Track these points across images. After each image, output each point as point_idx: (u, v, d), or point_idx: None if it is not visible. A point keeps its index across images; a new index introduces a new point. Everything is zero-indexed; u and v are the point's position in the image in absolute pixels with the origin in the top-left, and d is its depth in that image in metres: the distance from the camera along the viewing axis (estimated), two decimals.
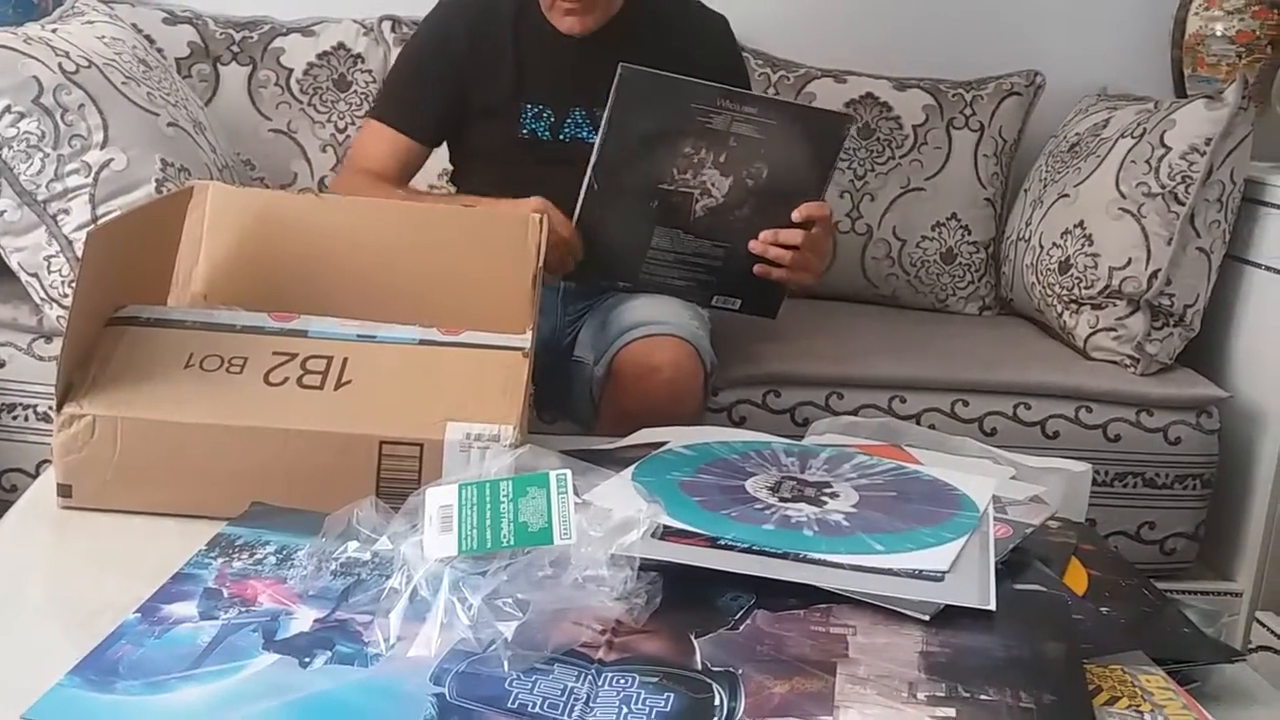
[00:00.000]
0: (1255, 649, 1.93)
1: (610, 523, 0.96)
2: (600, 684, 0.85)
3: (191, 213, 1.36)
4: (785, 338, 2.03)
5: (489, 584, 0.90)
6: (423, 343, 1.23)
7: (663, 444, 1.32)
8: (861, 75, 2.46)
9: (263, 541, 1.04)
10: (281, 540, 1.04)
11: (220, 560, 1.01)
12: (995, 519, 1.12)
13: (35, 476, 1.74)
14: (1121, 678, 0.91)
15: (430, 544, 0.94)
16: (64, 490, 1.14)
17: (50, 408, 1.57)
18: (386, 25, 2.35)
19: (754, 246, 1.75)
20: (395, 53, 2.19)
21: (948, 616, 0.94)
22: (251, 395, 1.16)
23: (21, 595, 1.02)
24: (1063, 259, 2.17)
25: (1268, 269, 2.12)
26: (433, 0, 1.96)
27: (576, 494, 0.97)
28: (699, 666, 0.88)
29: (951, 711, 0.83)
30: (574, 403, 1.87)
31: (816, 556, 1.02)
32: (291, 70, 2.30)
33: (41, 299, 1.85)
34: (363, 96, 2.29)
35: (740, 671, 0.87)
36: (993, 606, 0.95)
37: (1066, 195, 2.22)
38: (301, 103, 2.30)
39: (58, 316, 1.83)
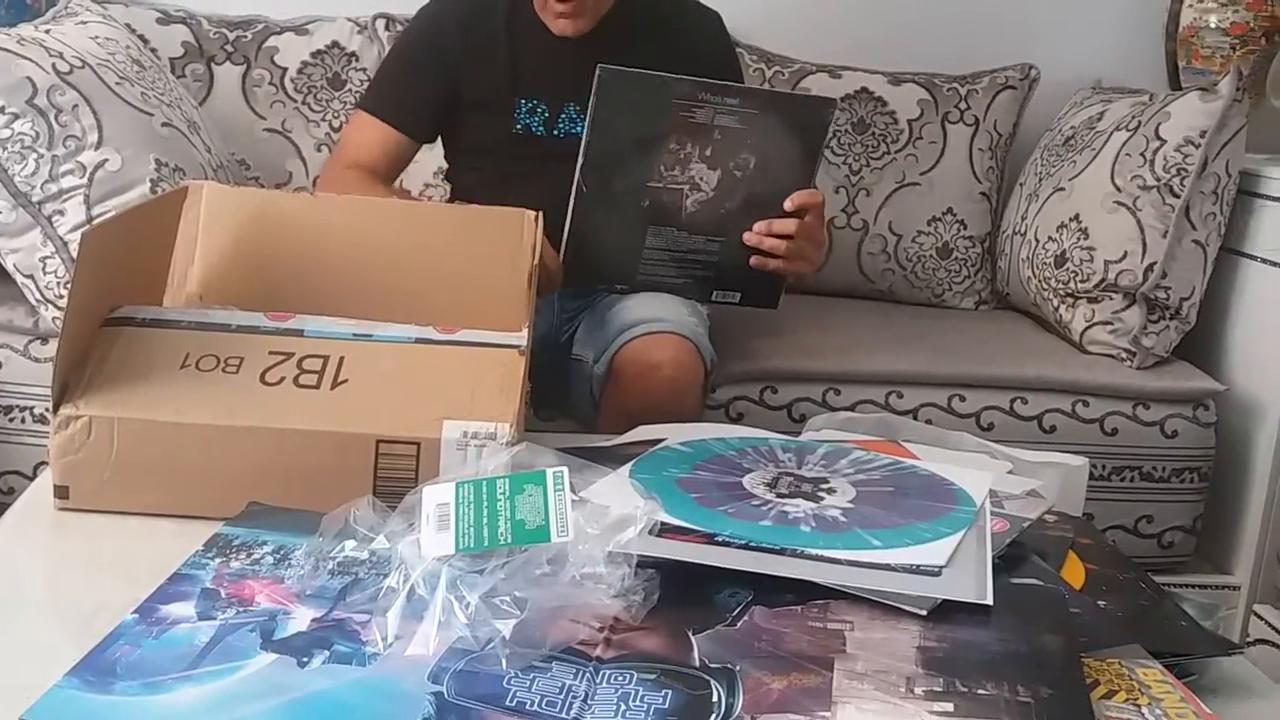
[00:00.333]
0: (1253, 642, 1.93)
1: (607, 520, 0.96)
2: (598, 681, 0.85)
3: (186, 213, 1.36)
4: (782, 334, 2.03)
5: (486, 582, 0.90)
6: (419, 341, 1.23)
7: (660, 441, 1.32)
8: (856, 70, 2.46)
9: (260, 541, 1.04)
10: (279, 540, 1.04)
11: (217, 560, 1.01)
12: (992, 513, 1.12)
13: (32, 478, 1.74)
14: (1119, 671, 0.92)
15: (427, 542, 0.94)
16: (61, 491, 1.14)
17: (47, 409, 1.57)
18: (380, 23, 2.35)
19: (748, 238, 1.75)
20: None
21: (945, 611, 0.94)
22: (248, 395, 1.16)
23: (19, 596, 1.02)
24: (1058, 253, 2.17)
25: (1264, 261, 2.12)
26: None
27: (573, 491, 0.97)
28: (697, 663, 0.88)
29: (949, 706, 0.83)
30: (571, 400, 1.87)
31: (814, 552, 1.02)
32: (286, 69, 2.30)
33: (37, 300, 1.85)
34: (357, 95, 2.28)
35: (738, 668, 0.87)
36: (990, 601, 0.95)
37: (1062, 189, 2.22)
38: (296, 101, 2.30)
39: (53, 318, 1.83)
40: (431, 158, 2.11)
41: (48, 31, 1.92)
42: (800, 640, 0.91)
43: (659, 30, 1.91)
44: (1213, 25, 2.45)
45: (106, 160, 1.82)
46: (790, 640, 0.91)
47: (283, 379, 1.17)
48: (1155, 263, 2.06)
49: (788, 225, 1.74)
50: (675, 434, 1.34)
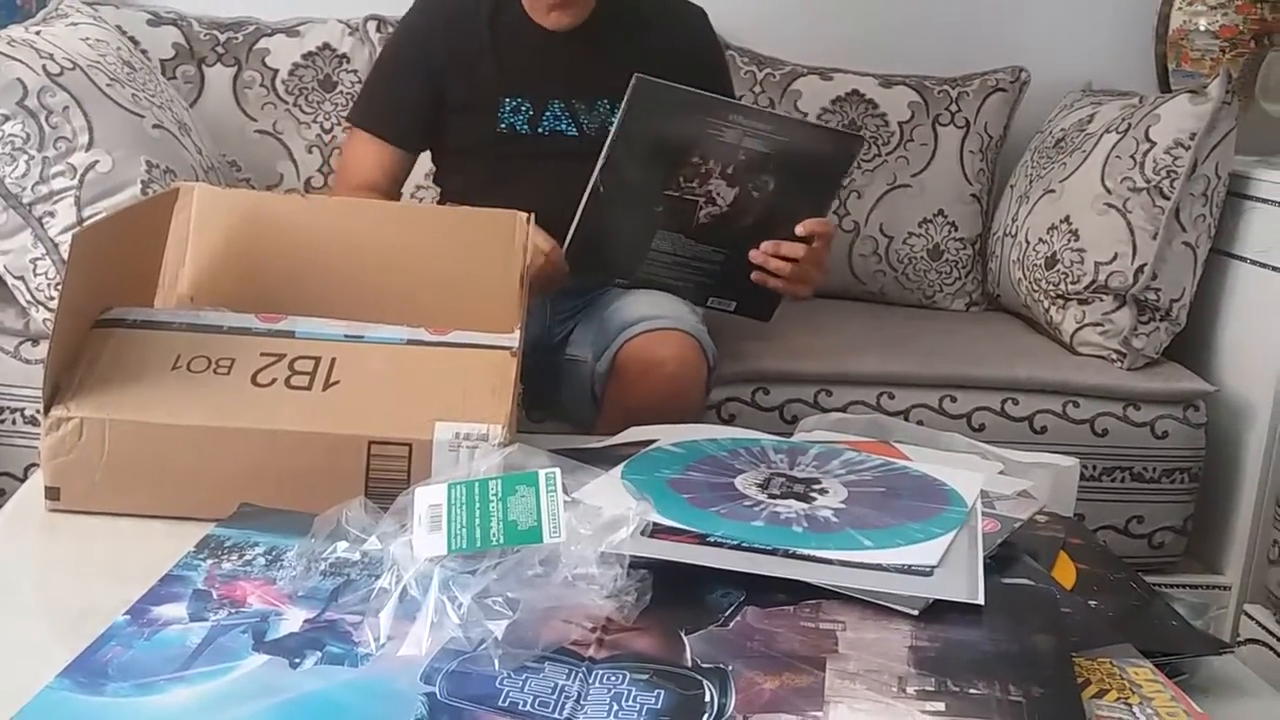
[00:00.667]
0: (1243, 641, 1.94)
1: (600, 521, 0.96)
2: (591, 682, 0.85)
3: (178, 214, 1.36)
4: (773, 335, 2.03)
5: (479, 583, 0.90)
6: (411, 342, 1.23)
7: (652, 442, 1.32)
8: (847, 72, 2.46)
9: (252, 543, 1.04)
10: (270, 541, 1.03)
11: (209, 561, 1.00)
12: (983, 514, 1.12)
13: (23, 480, 1.73)
14: (1110, 670, 0.92)
15: (420, 543, 0.94)
16: (52, 493, 1.13)
17: (38, 411, 1.57)
18: (371, 25, 2.35)
19: (754, 256, 1.75)
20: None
21: (936, 611, 0.95)
22: (239, 396, 1.16)
23: (10, 598, 1.02)
24: (1049, 254, 2.18)
25: (1253, 263, 2.13)
26: None
27: (566, 492, 0.97)
28: (689, 663, 0.88)
29: (941, 705, 0.83)
30: (563, 401, 1.87)
31: (806, 552, 1.02)
32: (277, 71, 2.30)
33: (28, 302, 1.85)
34: (348, 96, 2.28)
35: (730, 668, 0.88)
36: (981, 601, 0.96)
37: (1052, 191, 2.23)
38: (287, 103, 2.30)
39: (44, 319, 1.83)
40: (421, 161, 2.10)
41: (38, 33, 1.92)
42: (792, 640, 0.91)
43: (643, 28, 1.91)
44: (1202, 28, 2.46)
45: (97, 162, 1.81)
46: (782, 640, 0.91)
47: (274, 380, 1.17)
48: (1145, 264, 2.06)
49: (796, 249, 1.74)
50: (667, 435, 1.34)
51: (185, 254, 1.36)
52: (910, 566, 1.01)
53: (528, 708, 0.82)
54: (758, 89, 2.41)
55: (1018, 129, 2.50)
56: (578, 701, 0.83)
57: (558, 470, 0.97)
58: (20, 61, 1.80)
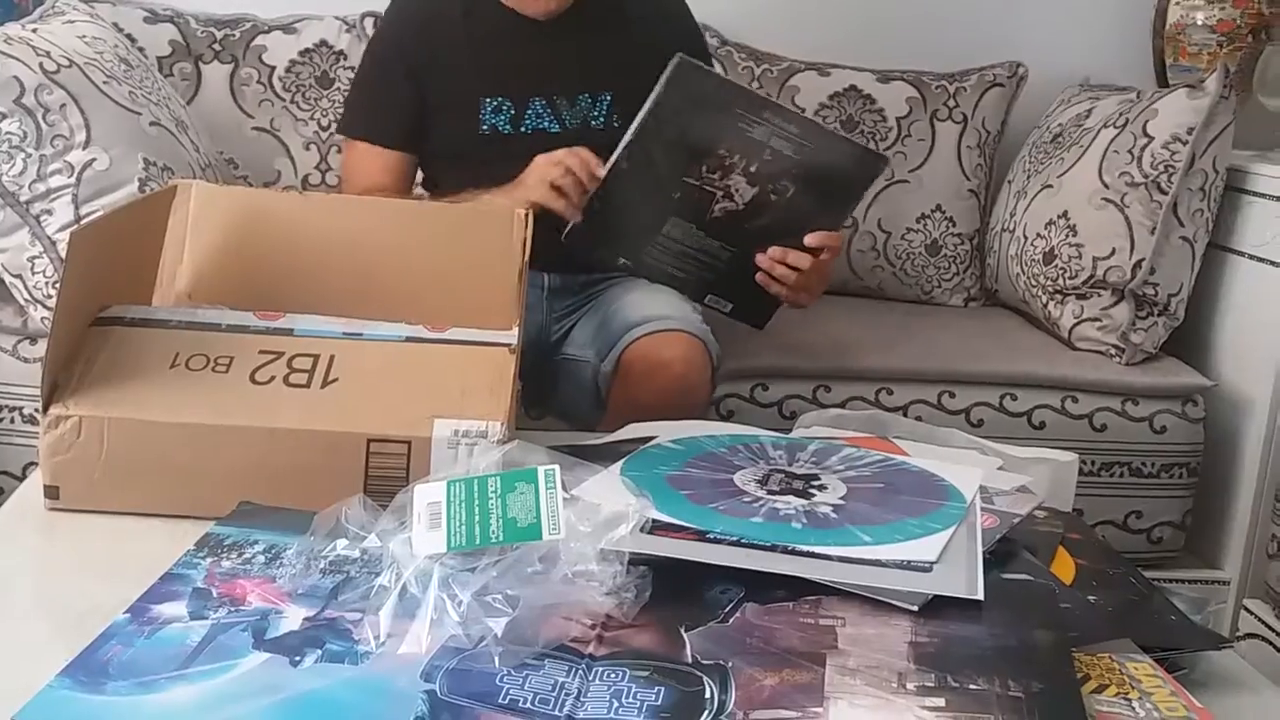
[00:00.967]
0: (1242, 636, 1.94)
1: (599, 518, 0.96)
2: (591, 678, 0.86)
3: (175, 212, 1.36)
4: (772, 331, 2.03)
5: (478, 580, 0.90)
6: (409, 340, 1.23)
7: (651, 439, 1.32)
8: (844, 68, 2.46)
9: (251, 540, 1.04)
10: (270, 539, 1.03)
11: (209, 560, 1.00)
12: (982, 509, 1.13)
13: (22, 479, 1.74)
14: (1110, 666, 0.92)
15: (419, 541, 0.94)
16: (51, 491, 1.13)
17: (36, 409, 1.56)
18: (369, 22, 2.34)
19: (761, 260, 1.74)
20: None
21: (936, 607, 0.95)
22: (238, 394, 1.16)
23: (10, 597, 1.02)
24: (1047, 249, 2.18)
25: (1251, 257, 2.13)
26: None
27: (565, 489, 0.97)
28: (689, 660, 0.89)
29: (941, 701, 0.83)
30: (562, 399, 1.87)
31: (805, 549, 1.02)
32: (274, 68, 2.29)
33: (25, 300, 1.84)
34: (345, 93, 2.27)
35: (730, 664, 0.88)
36: (980, 596, 0.96)
37: (1050, 186, 2.23)
38: (284, 100, 2.30)
39: (42, 318, 1.83)
40: None
41: (35, 31, 1.91)
42: (792, 636, 0.91)
43: (622, 19, 1.90)
44: (1200, 22, 2.46)
45: (94, 159, 1.81)
46: (782, 636, 0.91)
47: (273, 378, 1.17)
48: (1143, 259, 2.06)
49: (803, 260, 1.74)
50: (666, 431, 1.34)
51: (183, 252, 1.36)
52: (909, 562, 1.01)
53: (528, 705, 0.82)
54: (755, 85, 2.41)
55: (1015, 124, 2.50)
56: (578, 698, 0.83)
57: (557, 467, 0.97)
58: (17, 59, 1.80)
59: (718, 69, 2.20)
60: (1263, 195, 2.11)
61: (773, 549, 1.02)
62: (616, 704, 0.83)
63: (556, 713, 0.82)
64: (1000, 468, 1.32)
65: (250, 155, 2.28)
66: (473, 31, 1.87)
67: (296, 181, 2.30)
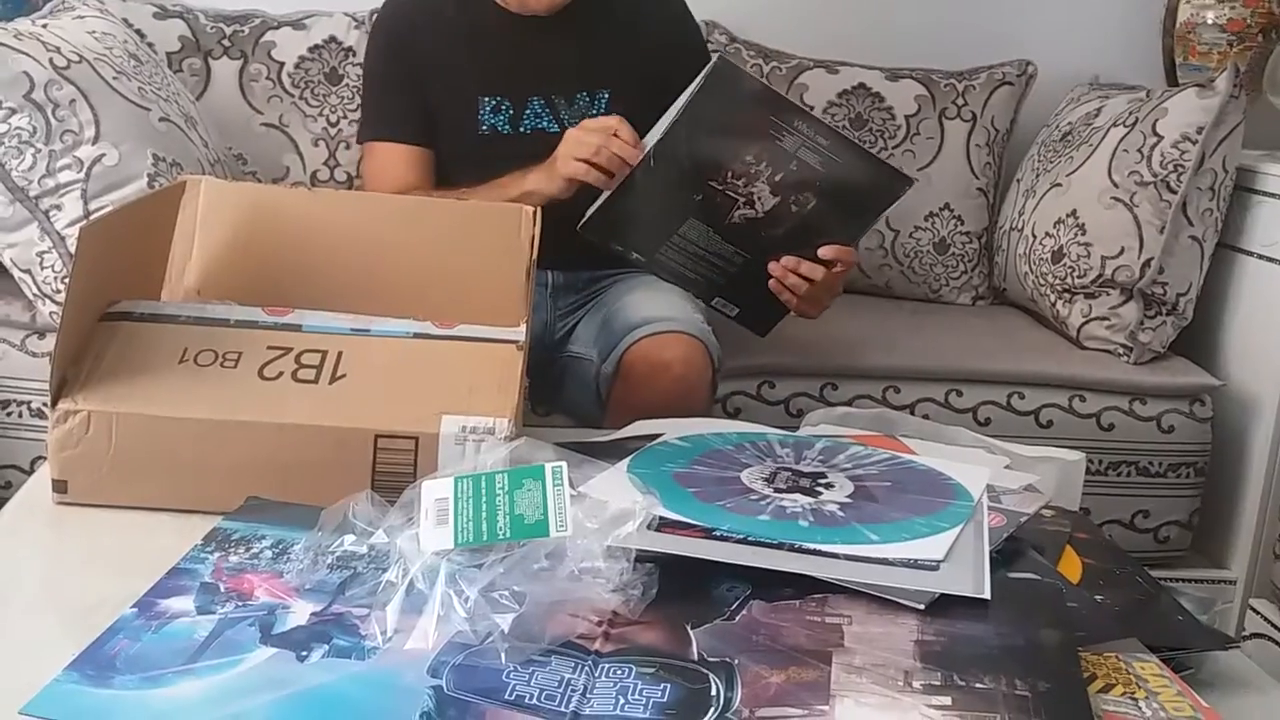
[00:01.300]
0: (1249, 636, 1.94)
1: (606, 515, 0.96)
2: (597, 675, 0.86)
3: (184, 208, 1.36)
4: (779, 329, 2.03)
5: (485, 576, 0.91)
6: (417, 336, 1.23)
7: (658, 436, 1.32)
8: (853, 66, 2.45)
9: (259, 536, 1.04)
10: (278, 534, 1.04)
11: (216, 555, 1.01)
12: (989, 508, 1.13)
13: (30, 473, 1.74)
14: (1116, 665, 0.92)
15: (426, 537, 0.94)
16: (59, 486, 1.14)
17: (45, 404, 1.56)
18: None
19: (773, 268, 1.73)
20: None
21: (943, 605, 0.95)
22: (246, 390, 1.16)
23: (18, 591, 1.02)
24: (1055, 248, 2.17)
25: (1260, 257, 2.12)
26: None
27: (572, 486, 0.97)
28: (695, 657, 0.89)
29: (947, 700, 0.83)
30: (567, 396, 1.87)
31: (812, 547, 1.02)
32: (283, 64, 2.30)
33: (35, 295, 1.85)
34: (354, 90, 2.28)
35: (736, 662, 0.88)
36: (988, 595, 0.96)
37: (1059, 184, 2.22)
38: (293, 96, 2.30)
39: (51, 312, 1.83)
40: None
41: (45, 26, 1.92)
42: (798, 634, 0.91)
43: (620, 16, 1.90)
44: (1209, 21, 2.45)
45: (104, 155, 1.81)
46: (788, 634, 0.91)
47: (281, 374, 1.18)
48: (1152, 258, 2.06)
49: (815, 271, 1.73)
50: (673, 429, 1.34)
51: (192, 247, 1.36)
52: (916, 561, 1.01)
53: (534, 701, 0.82)
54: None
55: (1024, 123, 2.50)
56: (584, 695, 0.83)
57: (564, 464, 0.97)
58: (27, 55, 1.80)
59: None
60: (1272, 195, 2.11)
61: (779, 547, 1.02)
62: (622, 701, 0.83)
63: (562, 709, 0.82)
64: (1007, 466, 1.31)
65: (259, 151, 2.28)
66: (468, 30, 1.87)
67: (305, 177, 2.30)
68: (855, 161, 1.69)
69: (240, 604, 0.93)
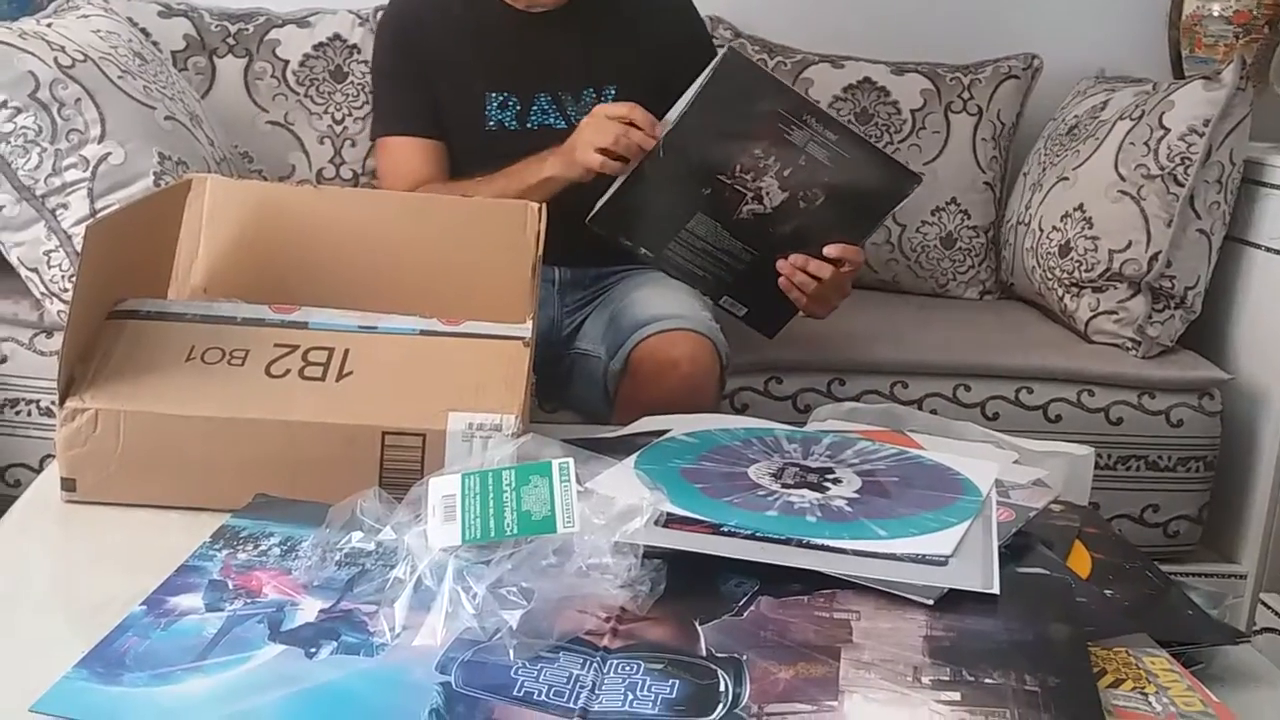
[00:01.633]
0: (1259, 630, 1.93)
1: (613, 511, 0.96)
2: (605, 671, 0.86)
3: (190, 206, 1.36)
4: (786, 327, 2.03)
5: (493, 573, 0.91)
6: (424, 333, 1.23)
7: (665, 432, 1.32)
8: (859, 60, 2.45)
9: (267, 533, 1.04)
10: (286, 531, 1.04)
11: (225, 552, 1.01)
12: (998, 503, 1.12)
13: (39, 471, 1.74)
14: (1126, 660, 0.92)
15: (434, 534, 0.94)
16: (68, 484, 1.14)
17: (53, 402, 1.57)
18: (381, 16, 2.34)
19: (781, 266, 1.73)
20: None
21: (951, 600, 0.95)
22: (253, 387, 1.16)
23: (27, 589, 1.02)
24: (1063, 242, 2.17)
25: (1268, 250, 2.12)
26: None
27: (579, 482, 0.97)
28: (704, 653, 0.89)
29: (956, 695, 0.83)
30: (574, 393, 1.87)
31: (820, 542, 1.02)
32: (288, 62, 2.30)
33: (42, 294, 1.85)
34: (359, 87, 2.28)
35: (745, 657, 0.88)
36: (996, 590, 0.96)
37: (1066, 178, 2.22)
38: (298, 94, 2.30)
39: (58, 311, 1.83)
40: None
41: (50, 25, 1.92)
42: (807, 630, 0.91)
43: (626, 12, 1.90)
44: (1215, 14, 2.44)
45: (109, 154, 1.82)
46: (797, 630, 0.91)
47: (288, 371, 1.18)
48: (1160, 252, 2.05)
49: (823, 270, 1.72)
50: (680, 425, 1.34)
51: (198, 245, 1.36)
52: (925, 556, 1.01)
53: (542, 697, 0.82)
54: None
55: (1030, 116, 2.49)
56: (592, 691, 0.83)
57: (571, 460, 0.97)
58: (32, 54, 1.80)
59: None
60: (1279, 187, 2.10)
61: (787, 543, 1.02)
62: (631, 697, 0.83)
63: (571, 705, 0.82)
64: (1016, 461, 1.31)
65: (264, 149, 2.29)
66: (475, 27, 1.87)
67: (311, 175, 2.30)
68: (863, 158, 1.68)
69: (249, 601, 0.93)
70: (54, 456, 1.15)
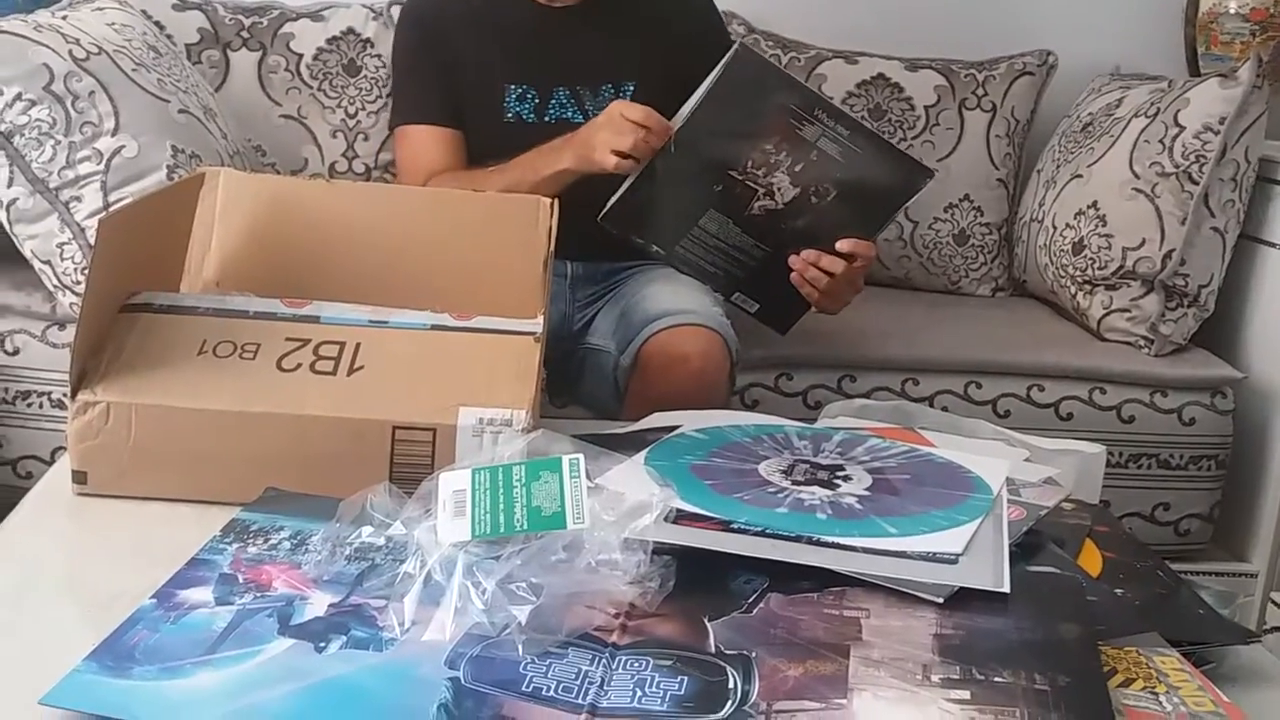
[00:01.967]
0: (1270, 630, 1.93)
1: (623, 507, 0.96)
2: (614, 667, 0.86)
3: (203, 199, 1.37)
4: (798, 323, 2.02)
5: (503, 568, 0.91)
6: (435, 328, 1.23)
7: (675, 428, 1.32)
8: (873, 56, 2.45)
9: (277, 527, 1.04)
10: (296, 525, 1.04)
11: (235, 546, 1.01)
12: (1009, 501, 1.12)
13: (51, 463, 1.75)
14: (1136, 659, 0.91)
15: (444, 529, 0.94)
16: (79, 477, 1.14)
17: (64, 395, 1.58)
18: (395, 10, 2.33)
19: (793, 261, 1.73)
20: None
21: (962, 599, 0.94)
22: (265, 381, 1.16)
23: (38, 581, 1.02)
24: (1076, 240, 2.16)
25: None
26: None
27: (589, 478, 0.97)
28: (713, 649, 0.88)
29: (966, 694, 0.83)
30: (585, 388, 1.87)
31: (830, 539, 1.02)
32: (301, 55, 2.30)
33: (54, 286, 1.86)
34: (373, 81, 2.28)
35: (754, 654, 0.87)
36: (1007, 589, 0.95)
37: (1080, 175, 2.21)
38: (312, 88, 2.30)
39: (71, 304, 1.84)
40: None
41: (64, 18, 1.92)
42: (816, 627, 0.91)
43: (643, 11, 1.90)
44: (1232, 11, 2.43)
45: (123, 147, 1.82)
46: (806, 627, 0.91)
47: (299, 365, 1.18)
48: (1173, 250, 2.05)
49: (835, 265, 1.72)
50: (691, 421, 1.34)
51: (211, 239, 1.36)
52: (935, 554, 1.00)
53: (551, 693, 0.82)
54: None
55: (1045, 113, 2.48)
56: (601, 687, 0.83)
57: (581, 456, 0.97)
58: (47, 46, 1.81)
59: None
60: None
61: (797, 540, 1.02)
62: (640, 693, 0.83)
63: (579, 701, 0.82)
64: (1027, 459, 1.31)
65: (278, 143, 2.29)
66: (494, 21, 1.88)
67: (324, 169, 2.30)
68: (875, 152, 1.68)
69: (259, 595, 0.93)
70: (65, 449, 1.16)
